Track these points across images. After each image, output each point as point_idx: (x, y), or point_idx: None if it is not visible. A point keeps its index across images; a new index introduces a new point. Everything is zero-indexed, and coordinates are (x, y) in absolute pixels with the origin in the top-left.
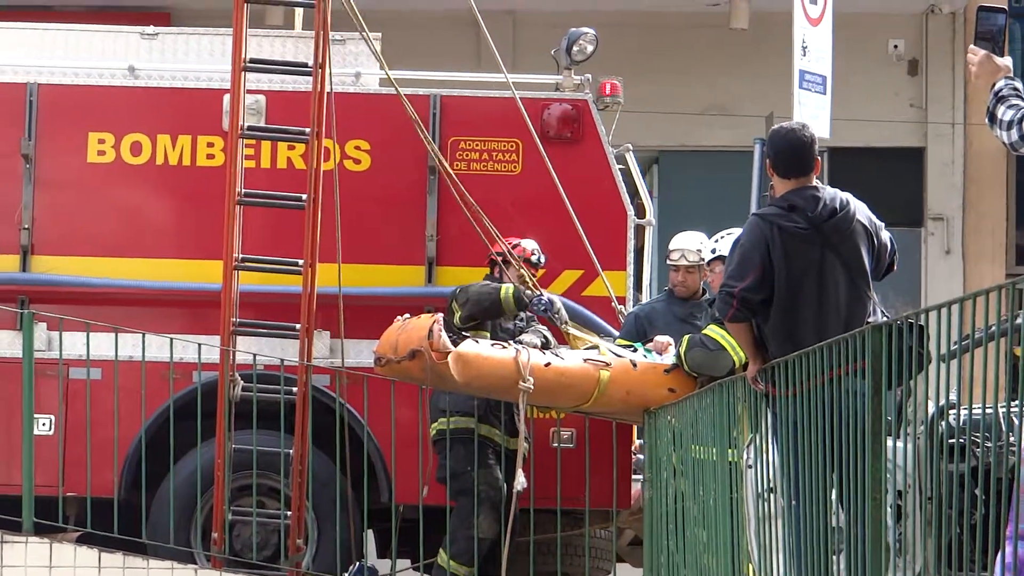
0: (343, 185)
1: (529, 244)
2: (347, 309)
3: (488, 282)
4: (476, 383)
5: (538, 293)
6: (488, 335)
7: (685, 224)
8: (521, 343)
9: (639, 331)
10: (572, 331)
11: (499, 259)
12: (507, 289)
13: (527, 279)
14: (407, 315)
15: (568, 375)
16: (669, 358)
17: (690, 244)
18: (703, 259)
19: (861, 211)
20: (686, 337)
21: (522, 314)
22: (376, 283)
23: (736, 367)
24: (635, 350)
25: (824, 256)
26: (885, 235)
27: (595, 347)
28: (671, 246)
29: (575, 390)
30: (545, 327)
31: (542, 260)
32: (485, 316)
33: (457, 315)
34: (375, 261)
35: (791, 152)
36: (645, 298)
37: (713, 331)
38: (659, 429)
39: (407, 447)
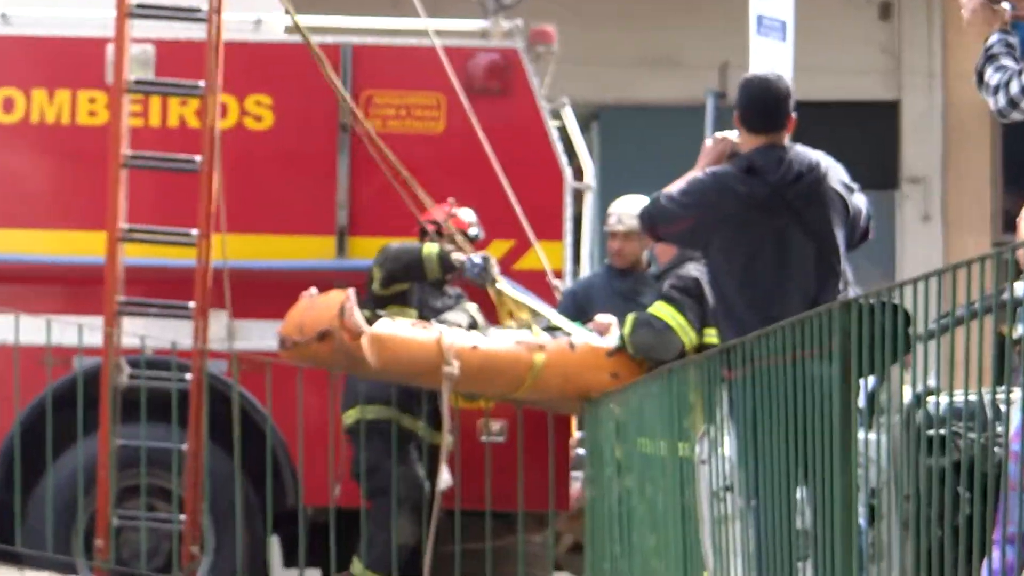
0: (243, 145)
1: (467, 215)
2: (248, 285)
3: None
4: (394, 367)
5: (469, 256)
6: (415, 313)
7: (628, 188)
8: (445, 323)
9: (577, 310)
10: (504, 290)
11: (431, 229)
12: (431, 247)
13: (459, 247)
14: (314, 290)
15: (497, 359)
16: (612, 339)
17: (629, 208)
18: None
19: (834, 174)
20: (630, 316)
21: (450, 290)
22: (280, 255)
23: (686, 349)
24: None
25: (787, 226)
26: (860, 198)
27: (528, 325)
28: (609, 210)
29: (505, 376)
30: (476, 305)
31: (480, 235)
32: (406, 276)
33: (377, 280)
34: (279, 231)
35: (763, 105)
36: (584, 272)
37: (660, 309)
38: (601, 420)
39: (316, 442)
